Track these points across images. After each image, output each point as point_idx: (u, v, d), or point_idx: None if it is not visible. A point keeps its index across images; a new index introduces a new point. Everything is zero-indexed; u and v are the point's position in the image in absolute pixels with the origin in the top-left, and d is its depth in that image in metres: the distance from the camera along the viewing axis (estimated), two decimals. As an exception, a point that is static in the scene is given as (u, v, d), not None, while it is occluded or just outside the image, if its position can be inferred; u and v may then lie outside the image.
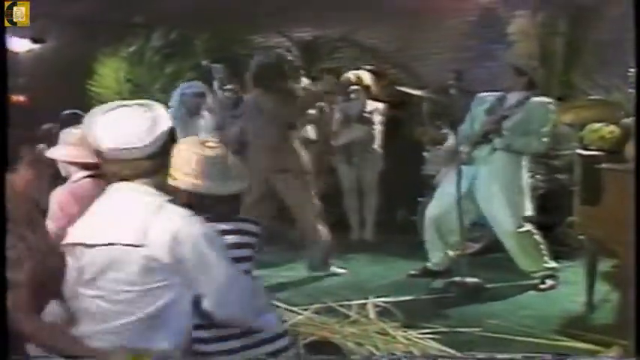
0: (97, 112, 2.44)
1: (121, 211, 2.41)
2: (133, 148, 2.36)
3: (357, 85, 7.16)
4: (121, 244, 2.35)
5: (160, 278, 2.37)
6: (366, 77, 7.26)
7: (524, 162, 5.56)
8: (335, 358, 3.62)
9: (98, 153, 2.43)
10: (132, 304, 2.37)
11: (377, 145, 7.28)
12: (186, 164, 2.70)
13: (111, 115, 2.40)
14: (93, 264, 2.39)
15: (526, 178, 5.60)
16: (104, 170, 2.50)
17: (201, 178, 2.71)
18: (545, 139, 5.54)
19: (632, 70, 5.80)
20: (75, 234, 2.48)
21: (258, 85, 5.93)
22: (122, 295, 2.37)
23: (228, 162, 2.78)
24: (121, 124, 2.38)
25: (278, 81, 5.82)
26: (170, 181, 2.62)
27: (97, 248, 2.39)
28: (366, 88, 7.20)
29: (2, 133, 2.59)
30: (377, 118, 7.25)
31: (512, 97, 5.54)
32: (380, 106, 7.29)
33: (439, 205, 5.70)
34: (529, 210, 5.51)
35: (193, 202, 2.66)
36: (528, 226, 5.47)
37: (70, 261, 2.47)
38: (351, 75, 7.27)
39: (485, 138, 5.51)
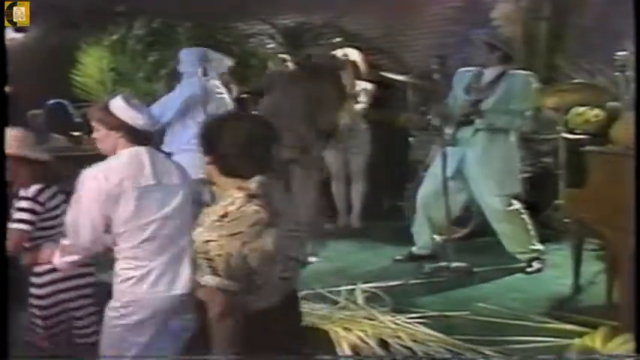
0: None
1: None
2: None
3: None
4: None
5: None
6: (354, 54, 6.99)
7: (513, 138, 5.53)
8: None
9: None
10: None
11: (364, 128, 7.09)
12: None
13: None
14: None
15: (516, 155, 5.58)
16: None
17: None
18: (528, 114, 5.53)
19: (620, 54, 5.85)
20: None
21: None
22: None
23: None
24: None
25: None
26: None
27: None
28: (353, 64, 6.94)
29: (2, 132, 2.58)
30: (364, 99, 7.03)
31: (489, 73, 5.53)
32: (368, 86, 7.06)
33: (428, 187, 5.70)
34: (518, 187, 5.52)
35: None
36: (517, 205, 5.48)
37: None
38: (338, 53, 7.01)
39: (467, 119, 5.51)
